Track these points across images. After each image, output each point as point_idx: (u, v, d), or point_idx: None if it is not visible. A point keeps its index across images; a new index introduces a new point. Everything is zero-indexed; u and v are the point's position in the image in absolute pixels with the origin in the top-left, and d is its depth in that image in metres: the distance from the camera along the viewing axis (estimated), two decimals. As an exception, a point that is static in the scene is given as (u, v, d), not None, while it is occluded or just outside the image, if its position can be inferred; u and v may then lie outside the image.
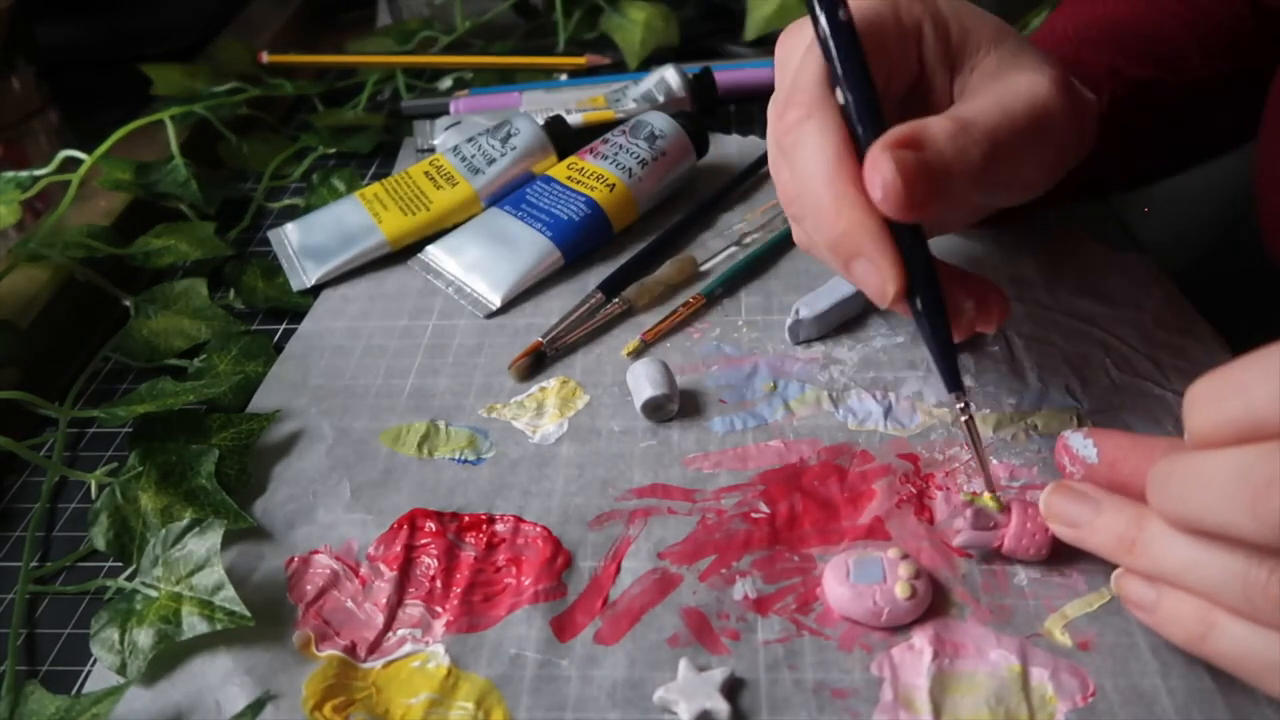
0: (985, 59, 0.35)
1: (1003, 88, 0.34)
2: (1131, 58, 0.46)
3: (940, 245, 0.49)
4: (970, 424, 0.33)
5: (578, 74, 0.71)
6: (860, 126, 0.32)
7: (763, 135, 0.61)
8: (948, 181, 0.31)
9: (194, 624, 0.32)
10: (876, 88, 0.33)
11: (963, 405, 0.33)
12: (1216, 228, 0.69)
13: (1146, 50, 0.46)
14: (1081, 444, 0.32)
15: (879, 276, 0.32)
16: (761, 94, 0.65)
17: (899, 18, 0.35)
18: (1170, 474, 0.26)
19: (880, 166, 0.30)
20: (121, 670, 0.32)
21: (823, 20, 0.33)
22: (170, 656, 0.33)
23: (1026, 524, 0.32)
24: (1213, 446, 0.25)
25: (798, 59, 0.35)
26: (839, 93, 0.33)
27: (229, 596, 0.33)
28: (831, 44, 0.33)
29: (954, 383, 0.34)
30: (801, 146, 0.33)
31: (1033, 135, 0.33)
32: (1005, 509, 0.33)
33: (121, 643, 0.33)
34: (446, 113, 0.66)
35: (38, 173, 0.56)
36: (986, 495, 0.33)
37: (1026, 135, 0.33)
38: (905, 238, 0.32)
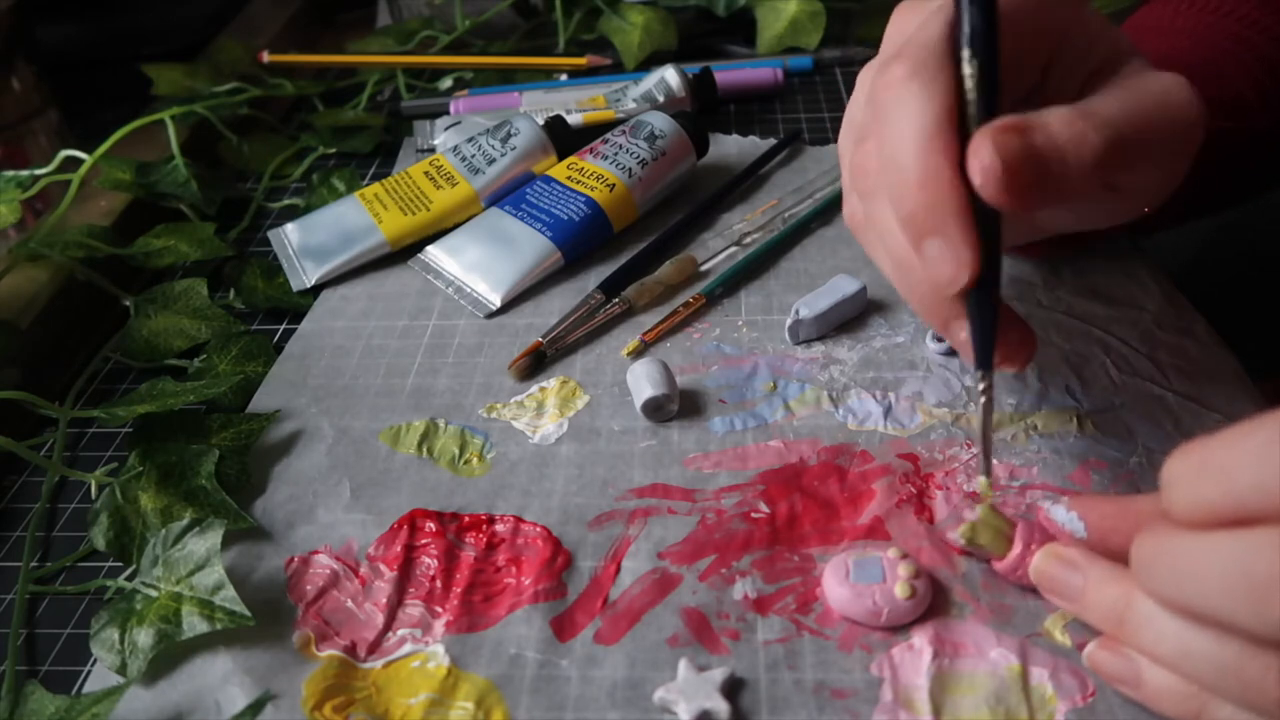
0: (1116, 76, 0.32)
1: (1133, 84, 0.32)
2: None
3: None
4: (988, 405, 0.32)
5: (578, 74, 0.71)
6: (977, 97, 0.30)
7: (762, 135, 0.61)
8: (1060, 167, 0.29)
9: (194, 624, 0.32)
10: (999, 65, 0.30)
11: (985, 385, 0.32)
12: (1216, 228, 0.69)
13: (1211, 95, 0.45)
14: (1065, 518, 0.31)
15: (954, 260, 0.29)
16: (761, 94, 0.66)
17: (1040, 11, 0.32)
18: (1158, 555, 0.25)
19: (983, 147, 0.28)
20: (121, 670, 0.32)
21: None
22: (170, 656, 0.33)
23: (1031, 546, 0.31)
24: (1195, 527, 0.24)
25: (916, 25, 0.32)
26: (964, 61, 0.30)
27: (229, 596, 0.33)
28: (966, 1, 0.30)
29: (985, 360, 0.32)
30: (900, 105, 0.30)
31: (1162, 133, 0.31)
32: (1012, 525, 0.32)
33: (121, 643, 0.33)
34: (446, 113, 0.66)
35: (38, 172, 0.55)
36: (988, 506, 0.32)
37: (1155, 132, 0.30)
38: (987, 226, 0.30)
